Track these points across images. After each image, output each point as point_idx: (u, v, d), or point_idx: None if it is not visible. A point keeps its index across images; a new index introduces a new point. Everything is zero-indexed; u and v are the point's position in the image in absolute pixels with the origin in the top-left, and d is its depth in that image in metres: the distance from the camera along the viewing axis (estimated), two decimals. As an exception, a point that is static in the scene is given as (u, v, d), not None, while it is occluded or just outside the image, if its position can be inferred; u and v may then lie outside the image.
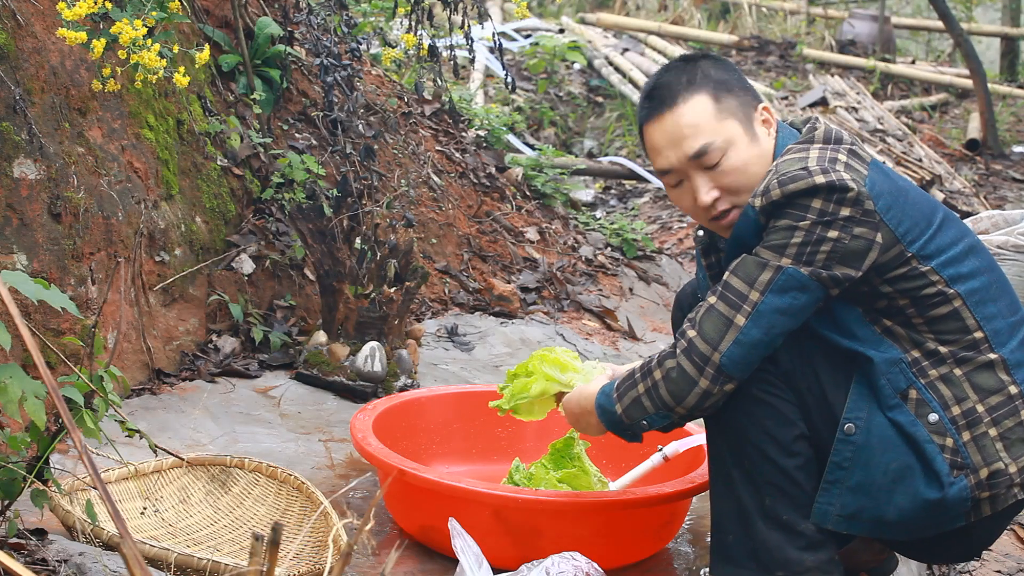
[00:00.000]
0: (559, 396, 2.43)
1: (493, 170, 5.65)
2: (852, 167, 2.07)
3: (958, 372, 2.07)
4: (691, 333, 2.08)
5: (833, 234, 2.02)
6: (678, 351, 2.09)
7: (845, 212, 2.02)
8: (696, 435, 2.74)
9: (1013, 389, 2.08)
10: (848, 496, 2.09)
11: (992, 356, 2.08)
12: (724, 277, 2.09)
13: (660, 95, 2.21)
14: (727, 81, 2.20)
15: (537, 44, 8.75)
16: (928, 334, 2.08)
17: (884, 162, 8.07)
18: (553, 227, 5.54)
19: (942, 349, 2.08)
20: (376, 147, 4.69)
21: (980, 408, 2.06)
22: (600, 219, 6.00)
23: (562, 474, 2.70)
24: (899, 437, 2.06)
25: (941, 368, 2.07)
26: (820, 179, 2.03)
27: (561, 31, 9.89)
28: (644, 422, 2.16)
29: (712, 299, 2.08)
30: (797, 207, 2.03)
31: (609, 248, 5.63)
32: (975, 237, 2.18)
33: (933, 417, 2.05)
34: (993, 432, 2.06)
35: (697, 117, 2.18)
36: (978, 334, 2.08)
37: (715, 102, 2.19)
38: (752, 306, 2.04)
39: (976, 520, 2.09)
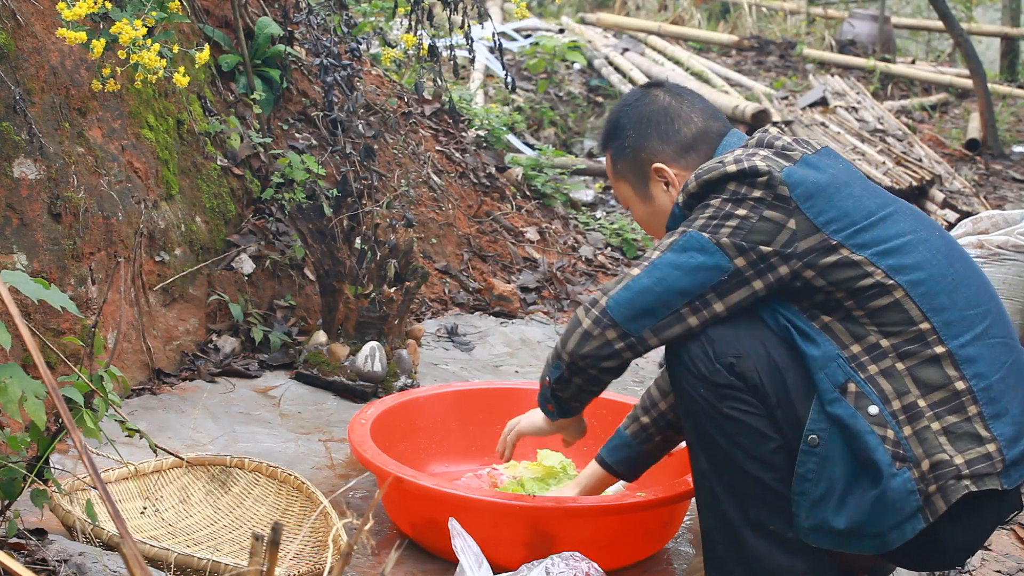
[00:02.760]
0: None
1: (493, 170, 5.65)
2: (771, 159, 2.11)
3: (900, 366, 2.02)
4: (596, 292, 2.20)
5: (741, 212, 2.08)
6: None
7: (756, 194, 2.08)
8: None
9: (960, 385, 2.01)
10: (812, 508, 2.06)
11: (939, 350, 2.02)
12: None
13: (602, 134, 2.45)
14: (632, 140, 2.35)
15: (537, 44, 8.73)
16: (871, 327, 2.04)
17: (884, 162, 7.93)
18: (553, 227, 5.54)
19: (884, 342, 2.03)
20: (376, 147, 4.69)
21: (922, 403, 2.00)
22: (600, 219, 6.00)
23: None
24: (843, 438, 2.01)
25: (882, 362, 2.02)
26: (732, 167, 2.11)
27: (561, 31, 9.88)
28: (547, 379, 2.25)
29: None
30: (712, 191, 2.13)
31: (609, 248, 5.63)
32: (933, 237, 2.11)
33: (873, 409, 2.00)
34: (936, 426, 1.99)
35: (607, 170, 2.45)
36: (924, 325, 2.02)
37: (612, 163, 2.41)
38: (649, 261, 2.13)
39: (936, 520, 2.00)
